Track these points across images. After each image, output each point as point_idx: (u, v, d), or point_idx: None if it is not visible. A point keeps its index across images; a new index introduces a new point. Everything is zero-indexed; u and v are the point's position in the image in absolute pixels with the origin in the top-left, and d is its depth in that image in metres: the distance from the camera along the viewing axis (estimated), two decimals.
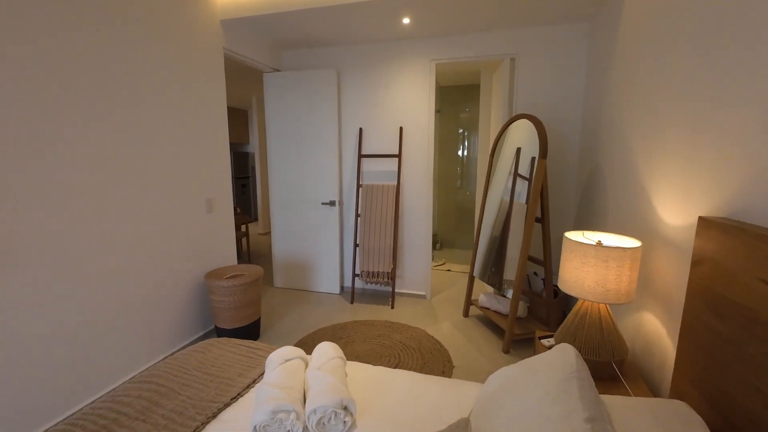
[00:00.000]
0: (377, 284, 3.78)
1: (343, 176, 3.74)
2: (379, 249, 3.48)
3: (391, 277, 3.46)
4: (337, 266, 3.74)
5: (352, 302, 3.56)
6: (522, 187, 2.81)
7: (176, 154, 2.52)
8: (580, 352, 1.58)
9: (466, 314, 3.27)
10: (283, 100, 3.65)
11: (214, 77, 2.84)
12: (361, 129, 3.58)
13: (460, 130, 5.59)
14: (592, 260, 1.49)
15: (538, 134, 2.54)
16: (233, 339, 1.70)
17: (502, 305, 2.98)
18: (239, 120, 7.87)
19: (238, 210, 4.98)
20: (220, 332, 2.70)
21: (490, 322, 3.16)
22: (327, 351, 1.43)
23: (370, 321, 3.14)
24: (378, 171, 3.62)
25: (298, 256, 3.84)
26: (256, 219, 7.86)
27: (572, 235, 1.68)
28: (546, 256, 2.70)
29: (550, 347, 1.89)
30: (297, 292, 3.86)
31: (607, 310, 1.62)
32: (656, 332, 1.60)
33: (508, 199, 2.96)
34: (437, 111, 5.54)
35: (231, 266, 2.92)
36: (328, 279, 3.80)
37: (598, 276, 1.49)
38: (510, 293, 2.79)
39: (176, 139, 2.52)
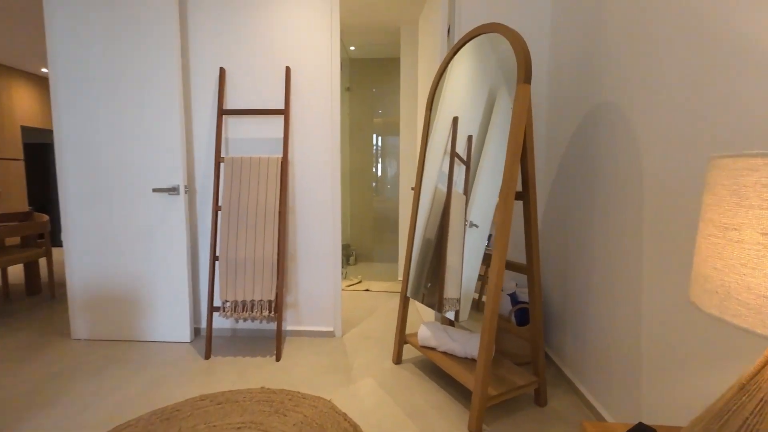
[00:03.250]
0: (255, 320, 2.37)
1: (194, 145, 2.30)
2: (254, 263, 2.10)
3: (276, 308, 2.10)
4: (185, 296, 2.24)
5: (207, 356, 2.08)
6: (461, 172, 1.78)
7: None
8: None
9: (398, 360, 2.05)
10: (80, 21, 2.12)
11: None
12: (222, 70, 2.22)
13: (375, 137, 4.51)
14: None
15: (515, 49, 1.50)
16: None
17: (458, 342, 1.83)
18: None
19: (30, 209, 3.12)
20: None
21: (437, 370, 1.99)
22: None
23: (232, 393, 1.72)
24: (253, 138, 2.27)
25: (116, 283, 2.25)
26: None
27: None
28: (532, 256, 1.63)
29: None
30: (115, 345, 2.24)
31: None
32: None
33: (444, 187, 1.89)
34: (347, 89, 4.41)
35: None
36: (170, 319, 2.26)
37: None
38: (452, 314, 1.66)
39: None
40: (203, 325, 2.38)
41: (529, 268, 1.63)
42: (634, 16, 1.38)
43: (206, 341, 2.08)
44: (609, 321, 1.51)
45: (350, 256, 4.34)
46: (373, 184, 4.60)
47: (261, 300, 2.09)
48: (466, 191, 1.76)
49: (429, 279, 1.90)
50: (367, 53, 4.30)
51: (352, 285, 3.50)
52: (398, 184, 4.43)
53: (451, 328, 1.94)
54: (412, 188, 3.46)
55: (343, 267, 4.07)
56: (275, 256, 2.10)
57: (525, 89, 1.44)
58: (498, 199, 1.53)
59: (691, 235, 1.08)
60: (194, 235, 2.34)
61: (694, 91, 1.08)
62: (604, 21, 1.59)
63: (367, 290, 3.36)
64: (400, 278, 3.66)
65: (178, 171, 2.17)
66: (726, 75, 0.97)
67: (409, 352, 2.18)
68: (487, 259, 1.75)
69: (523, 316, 2.11)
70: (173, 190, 2.16)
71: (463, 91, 1.83)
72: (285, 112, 2.17)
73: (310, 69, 2.21)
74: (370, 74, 4.47)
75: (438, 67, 2.21)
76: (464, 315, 1.66)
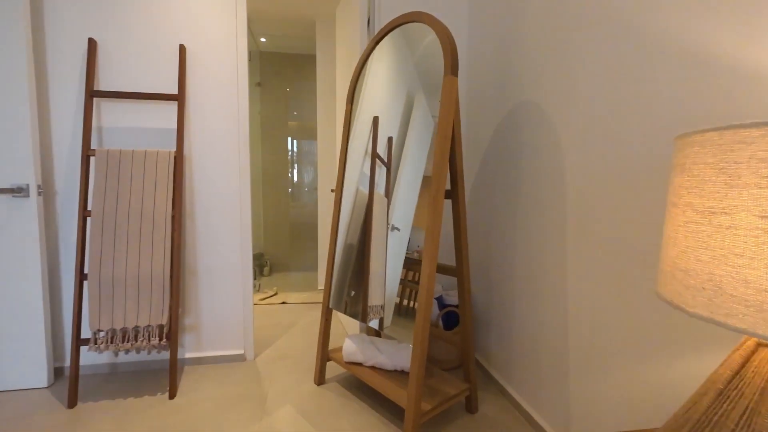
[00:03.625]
0: (142, 351, 1.94)
1: (53, 134, 1.81)
2: (137, 281, 1.70)
3: (168, 335, 1.73)
4: (40, 327, 1.73)
5: (72, 405, 1.62)
6: (382, 174, 1.68)
7: None
8: None
9: (320, 380, 1.83)
10: None
11: None
12: (92, 42, 1.78)
13: (290, 141, 4.22)
14: None
15: (441, 40, 1.42)
16: None
17: (386, 354, 1.68)
18: None
19: None
20: None
21: (365, 388, 1.81)
22: None
23: None
24: (137, 127, 1.86)
25: None
26: None
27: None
28: (462, 258, 1.56)
29: None
30: None
31: None
32: None
33: (365, 189, 1.76)
34: (257, 84, 4.05)
35: None
36: (17, 360, 1.73)
37: None
38: (376, 322, 1.53)
39: None
40: (68, 363, 1.88)
41: (459, 270, 1.56)
42: (548, 12, 1.39)
43: (69, 384, 1.61)
44: (535, 321, 1.50)
45: (264, 266, 3.96)
46: (289, 189, 4.29)
47: (149, 326, 1.70)
48: (388, 193, 1.65)
49: (352, 287, 1.74)
50: (280, 47, 4.01)
51: (267, 298, 3.16)
52: (316, 189, 4.19)
53: (378, 339, 1.79)
54: (332, 190, 3.28)
55: (256, 278, 3.68)
56: (167, 271, 1.73)
57: (452, 81, 1.36)
58: (419, 197, 1.43)
59: (615, 232, 1.08)
60: (54, 249, 1.83)
61: (607, 88, 1.09)
62: (520, 19, 1.61)
63: (283, 303, 3.06)
64: (321, 287, 3.43)
65: (28, 166, 1.67)
66: (638, 72, 0.98)
67: (333, 369, 1.97)
68: (408, 263, 1.65)
69: (450, 319, 2.05)
70: (20, 191, 1.66)
71: (383, 91, 1.72)
72: (179, 98, 1.82)
73: (212, 50, 1.90)
74: (283, 71, 4.17)
75: (358, 59, 2.07)
76: (388, 322, 1.53)
